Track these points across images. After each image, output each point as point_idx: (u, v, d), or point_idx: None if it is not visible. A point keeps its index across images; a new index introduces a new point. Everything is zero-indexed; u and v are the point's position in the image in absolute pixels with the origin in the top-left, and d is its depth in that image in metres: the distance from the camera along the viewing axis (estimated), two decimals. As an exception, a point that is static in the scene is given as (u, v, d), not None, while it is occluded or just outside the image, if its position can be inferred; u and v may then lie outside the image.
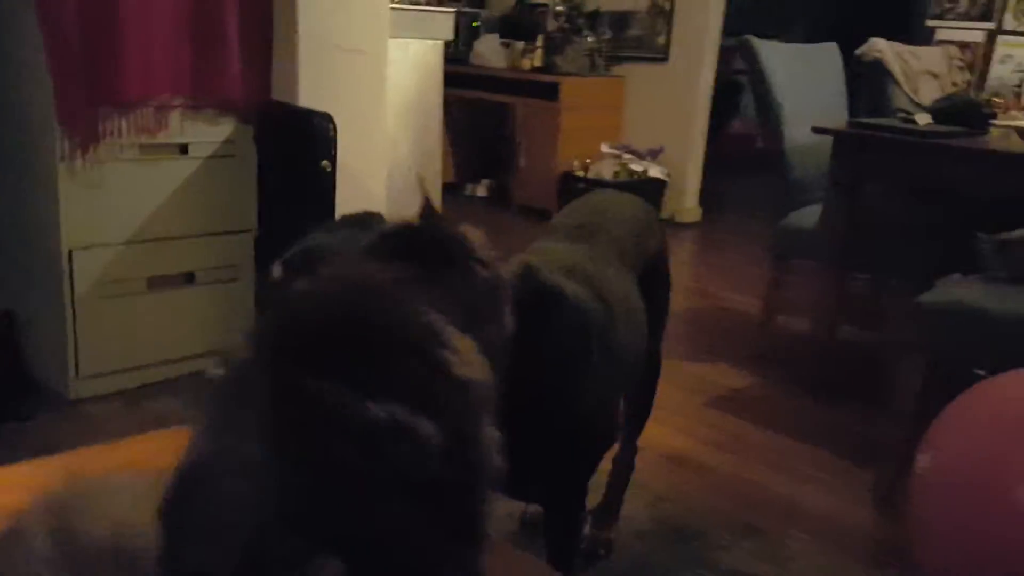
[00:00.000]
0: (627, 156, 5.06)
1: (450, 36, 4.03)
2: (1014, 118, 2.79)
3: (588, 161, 5.07)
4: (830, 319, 2.80)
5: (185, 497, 0.59)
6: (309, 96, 2.50)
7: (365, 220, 1.01)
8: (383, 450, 0.59)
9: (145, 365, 2.47)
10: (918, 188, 2.72)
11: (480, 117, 5.75)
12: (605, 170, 4.98)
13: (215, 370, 0.64)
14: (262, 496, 0.57)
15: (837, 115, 3.16)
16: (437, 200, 1.06)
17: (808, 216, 2.92)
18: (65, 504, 0.68)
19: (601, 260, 1.40)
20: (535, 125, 5.22)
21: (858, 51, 3.35)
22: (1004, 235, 2.13)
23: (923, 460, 1.68)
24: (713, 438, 2.43)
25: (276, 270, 0.91)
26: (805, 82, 3.09)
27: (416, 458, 0.60)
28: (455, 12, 4.40)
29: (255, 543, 0.56)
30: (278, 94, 2.55)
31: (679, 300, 3.60)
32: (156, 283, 2.47)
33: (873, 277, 3.30)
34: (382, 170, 2.75)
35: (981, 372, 1.88)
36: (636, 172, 4.99)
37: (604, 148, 5.15)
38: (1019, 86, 4.44)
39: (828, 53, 3.34)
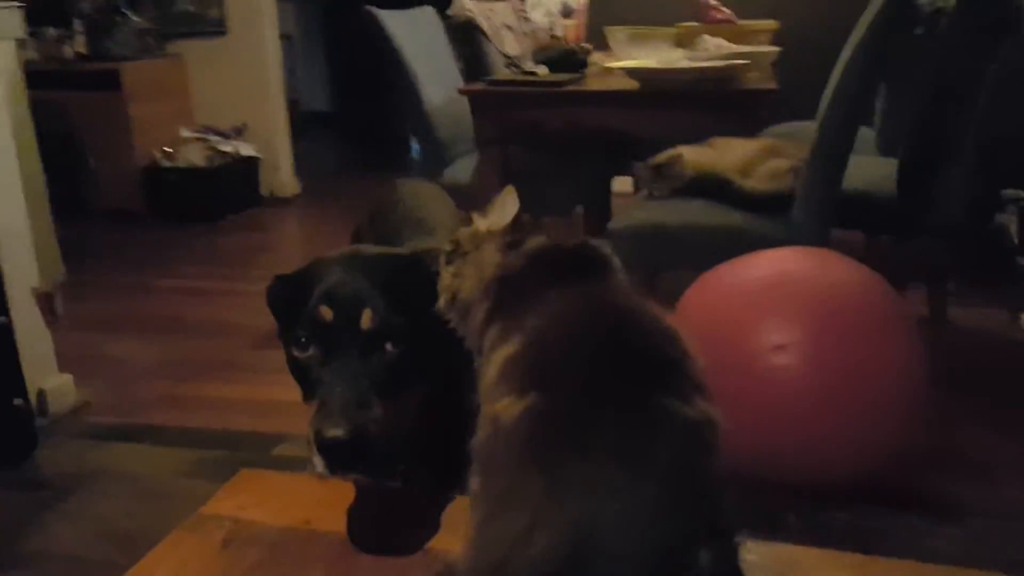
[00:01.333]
0: (213, 138, 4.84)
1: (20, 33, 3.47)
2: (601, 60, 3.26)
3: (170, 150, 4.75)
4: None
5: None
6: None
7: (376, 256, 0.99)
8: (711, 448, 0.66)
9: None
10: (556, 133, 3.08)
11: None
12: (195, 155, 4.72)
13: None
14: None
15: (454, 74, 3.41)
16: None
17: (461, 171, 3.14)
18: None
19: None
20: (99, 119, 4.72)
21: (449, 11, 3.61)
22: (652, 160, 2.56)
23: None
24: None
25: (325, 311, 0.89)
26: (422, 45, 3.28)
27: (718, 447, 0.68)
28: None
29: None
30: None
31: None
32: None
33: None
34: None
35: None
36: (228, 153, 4.81)
37: (185, 133, 4.86)
38: (551, 29, 5.13)
39: (428, 15, 3.56)
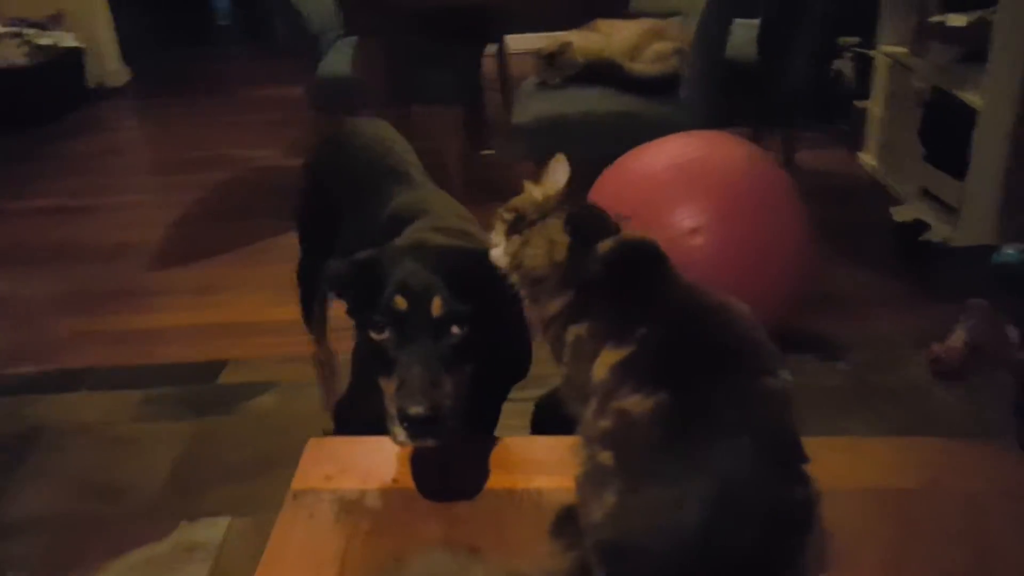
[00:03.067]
0: (29, 31, 4.41)
1: None
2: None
3: (-21, 49, 4.31)
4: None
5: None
6: None
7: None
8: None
9: None
10: (428, 14, 3.04)
11: None
12: (11, 53, 4.30)
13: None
14: None
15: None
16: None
17: (338, 63, 3.09)
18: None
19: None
20: None
21: None
22: (544, 49, 2.64)
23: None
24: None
25: (400, 301, 1.04)
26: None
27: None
28: None
29: None
30: None
31: (213, 175, 3.58)
32: None
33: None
34: None
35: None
36: (48, 46, 4.41)
37: (-7, 28, 4.40)
38: None
39: None
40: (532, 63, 2.66)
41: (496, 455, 1.18)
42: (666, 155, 2.23)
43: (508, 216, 1.05)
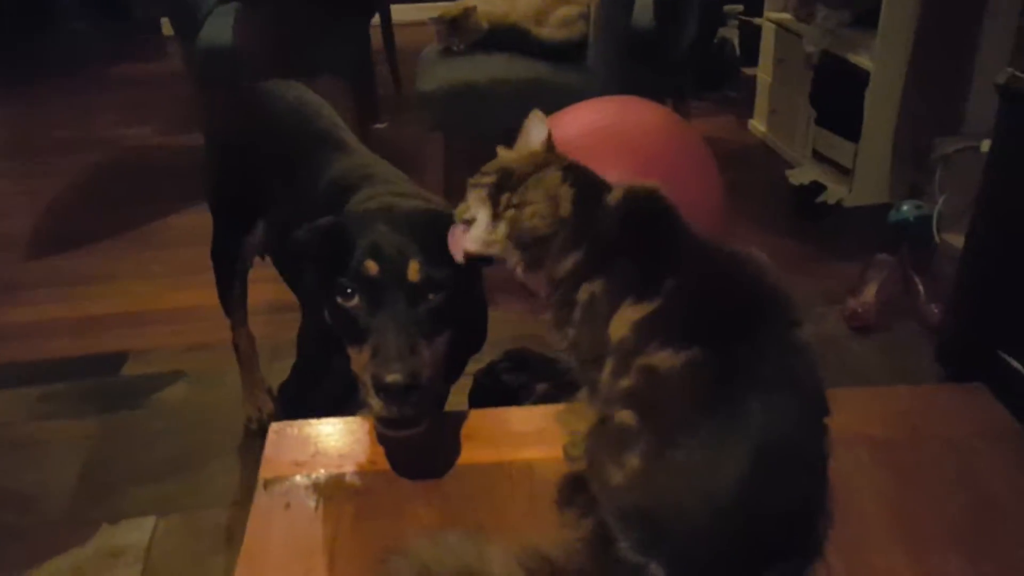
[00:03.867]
0: None
1: None
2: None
3: None
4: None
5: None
6: None
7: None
8: None
9: None
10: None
11: None
12: None
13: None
14: None
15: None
16: None
17: (218, 31, 2.91)
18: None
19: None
20: None
21: None
22: (446, 13, 2.56)
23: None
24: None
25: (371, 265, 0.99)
26: None
27: None
28: None
29: None
30: None
31: (81, 158, 3.32)
32: None
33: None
34: None
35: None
36: None
37: None
38: None
39: None
40: (432, 30, 2.58)
41: (471, 429, 1.13)
42: (582, 121, 2.20)
43: (488, 180, 0.98)
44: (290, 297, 1.78)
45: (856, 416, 1.12)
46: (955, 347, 1.72)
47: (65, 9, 5.58)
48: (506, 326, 2.29)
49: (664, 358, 0.80)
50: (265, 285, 2.47)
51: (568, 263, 0.91)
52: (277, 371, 2.07)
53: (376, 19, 3.77)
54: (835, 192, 2.84)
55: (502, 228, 0.96)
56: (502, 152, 1.03)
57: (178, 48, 3.10)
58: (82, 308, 2.41)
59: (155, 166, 3.35)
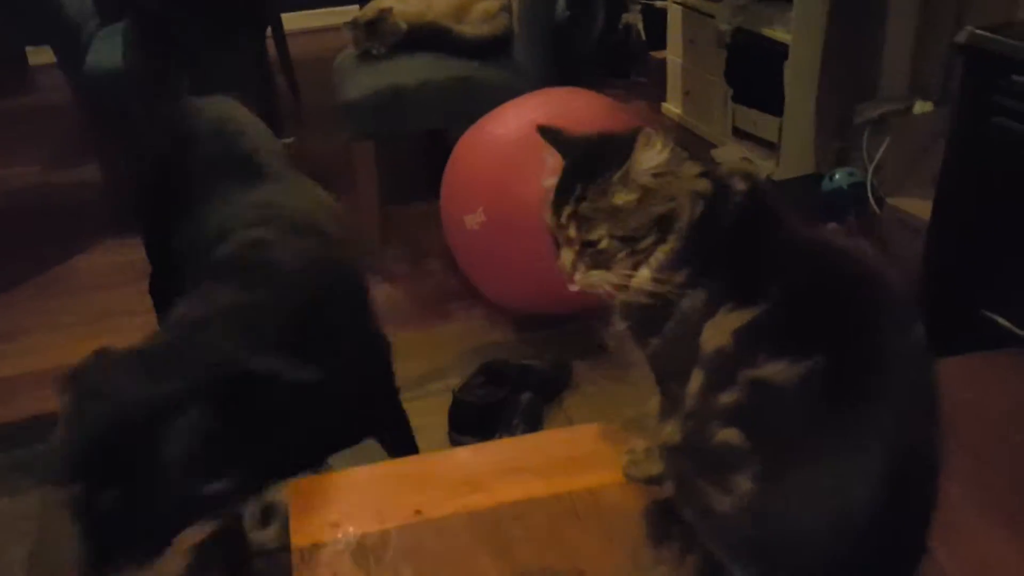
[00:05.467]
0: None
1: None
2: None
3: None
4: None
5: None
6: None
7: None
8: None
9: None
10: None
11: None
12: None
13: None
14: None
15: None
16: None
17: (106, 54, 2.68)
18: None
19: None
20: None
21: None
22: (361, 17, 2.43)
23: (472, 218, 2.07)
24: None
25: None
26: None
27: None
28: None
29: None
30: None
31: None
32: None
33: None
34: None
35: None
36: None
37: None
38: None
39: None
40: (342, 35, 2.44)
41: (512, 460, 1.02)
42: (526, 115, 2.12)
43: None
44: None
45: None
46: (936, 313, 1.71)
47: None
48: (469, 338, 2.19)
49: (778, 370, 0.71)
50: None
51: (681, 275, 0.79)
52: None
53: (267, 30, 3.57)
54: (762, 167, 2.85)
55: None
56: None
57: (63, 77, 2.84)
58: (-6, 370, 2.17)
59: (49, 206, 3.07)
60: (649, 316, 0.83)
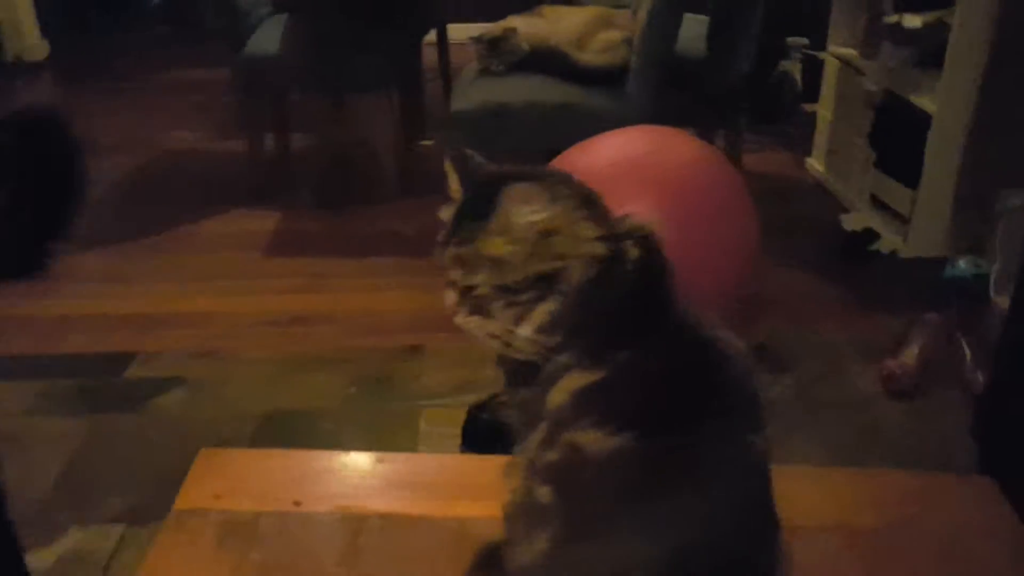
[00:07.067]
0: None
1: None
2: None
3: None
4: (325, 135, 2.96)
5: None
6: None
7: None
8: None
9: None
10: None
11: None
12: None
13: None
14: None
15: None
16: None
17: (266, 41, 2.90)
18: None
19: None
20: None
21: None
22: (486, 34, 2.50)
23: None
24: (296, 285, 2.51)
25: None
26: None
27: None
28: None
29: None
30: None
31: (128, 157, 3.36)
32: None
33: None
34: None
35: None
36: (-41, 15, 4.13)
37: None
38: None
39: None
40: (472, 49, 2.52)
41: (413, 474, 1.04)
42: (614, 149, 2.10)
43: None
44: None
45: (840, 500, 1.00)
46: (991, 422, 1.56)
47: (151, 13, 5.74)
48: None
49: (593, 439, 0.69)
50: (282, 297, 2.45)
51: (556, 337, 0.77)
52: (294, 385, 2.03)
53: (433, 37, 3.74)
54: (889, 242, 2.67)
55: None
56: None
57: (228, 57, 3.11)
58: (99, 306, 2.40)
59: (191, 171, 3.37)
60: (522, 370, 0.82)
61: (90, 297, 2.45)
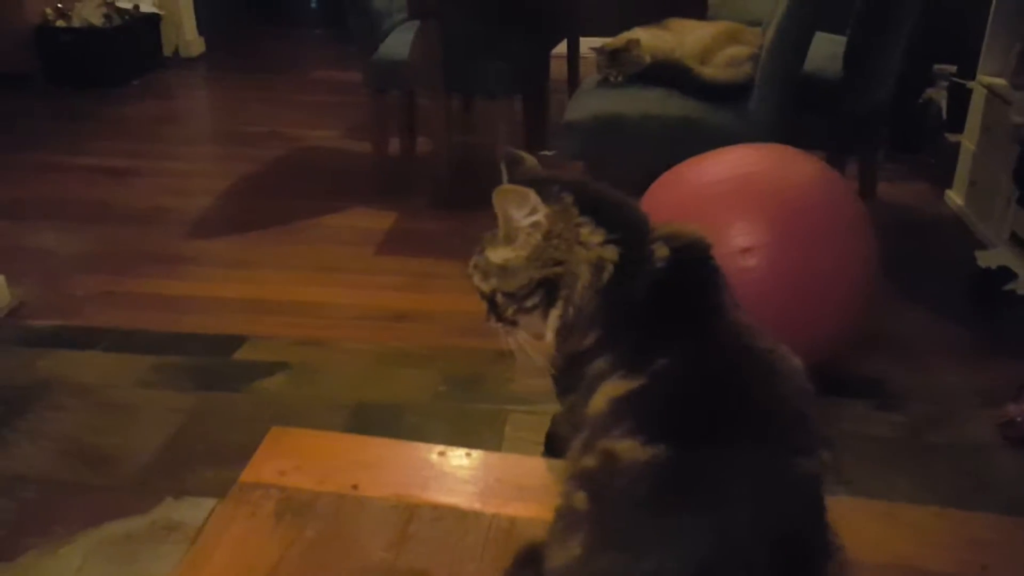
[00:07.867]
0: (110, -7, 4.44)
1: None
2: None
3: (61, 6, 4.34)
4: (444, 138, 3.01)
5: None
6: None
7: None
8: None
9: None
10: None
11: None
12: (91, 14, 4.33)
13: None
14: None
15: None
16: None
17: (397, 45, 2.99)
18: None
19: None
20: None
21: None
22: (608, 45, 2.49)
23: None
24: (403, 283, 2.56)
25: None
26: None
27: None
28: None
29: None
30: None
31: (266, 150, 3.53)
32: None
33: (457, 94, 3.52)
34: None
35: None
36: (127, 11, 4.43)
37: (76, -12, 4.43)
38: None
39: None
40: (591, 59, 2.51)
41: (471, 470, 1.04)
42: (726, 165, 2.05)
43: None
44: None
45: (909, 539, 0.94)
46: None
47: (308, 16, 6.03)
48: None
49: (628, 447, 0.68)
50: (387, 293, 2.50)
51: (592, 337, 0.78)
52: (387, 378, 2.07)
53: (563, 49, 3.75)
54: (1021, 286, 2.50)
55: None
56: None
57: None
58: (217, 290, 2.51)
59: (321, 167, 3.49)
60: (563, 376, 0.82)
61: (211, 280, 2.57)
